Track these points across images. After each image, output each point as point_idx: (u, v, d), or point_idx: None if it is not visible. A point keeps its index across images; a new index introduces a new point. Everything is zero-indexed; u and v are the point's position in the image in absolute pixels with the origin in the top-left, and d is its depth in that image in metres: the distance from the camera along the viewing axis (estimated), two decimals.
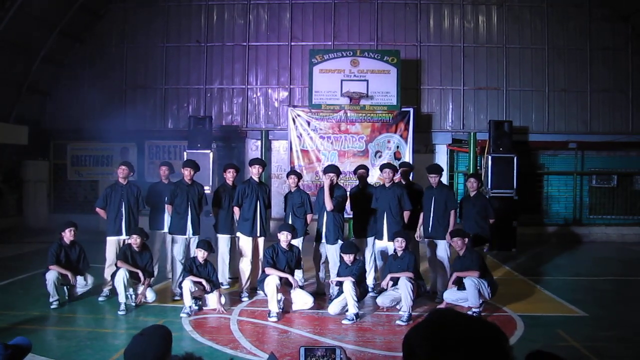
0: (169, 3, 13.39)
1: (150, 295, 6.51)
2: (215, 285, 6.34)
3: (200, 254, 6.32)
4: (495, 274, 7.30)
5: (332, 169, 7.12)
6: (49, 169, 13.71)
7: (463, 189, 12.85)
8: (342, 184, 7.45)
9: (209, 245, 6.45)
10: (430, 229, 6.93)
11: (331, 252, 6.90)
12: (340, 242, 6.82)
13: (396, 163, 9.96)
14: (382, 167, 7.21)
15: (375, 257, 7.19)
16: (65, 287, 6.63)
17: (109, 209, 7.08)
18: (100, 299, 6.73)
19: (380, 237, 6.95)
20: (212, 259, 7.01)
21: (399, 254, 6.31)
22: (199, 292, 6.28)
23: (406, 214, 6.93)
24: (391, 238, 6.77)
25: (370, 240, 7.22)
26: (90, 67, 13.28)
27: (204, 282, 6.21)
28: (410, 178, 9.17)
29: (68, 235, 6.67)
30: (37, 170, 13.57)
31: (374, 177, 10.79)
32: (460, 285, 6.19)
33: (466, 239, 6.40)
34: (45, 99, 13.44)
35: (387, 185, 6.99)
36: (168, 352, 2.19)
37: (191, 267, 6.29)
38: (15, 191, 13.39)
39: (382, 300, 6.32)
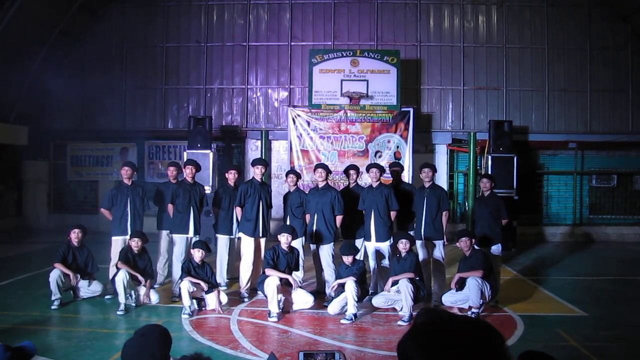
0: (168, 3, 13.38)
1: (154, 297, 6.52)
2: (213, 285, 6.34)
3: (198, 254, 6.32)
4: None
5: (321, 166, 7.25)
6: (48, 169, 13.71)
7: (463, 189, 12.89)
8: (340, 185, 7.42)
9: (207, 246, 6.47)
10: (423, 229, 6.86)
11: (324, 252, 6.91)
12: (332, 242, 6.87)
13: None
14: (368, 167, 7.17)
15: (368, 259, 7.13)
16: (71, 292, 6.68)
17: (115, 210, 7.19)
18: (107, 297, 6.75)
19: (369, 239, 6.91)
20: (210, 259, 7.03)
21: (403, 255, 6.27)
22: (198, 292, 6.29)
23: (392, 214, 6.90)
24: (380, 239, 6.78)
25: (358, 242, 7.14)
26: (90, 67, 13.27)
27: (202, 283, 6.22)
28: (408, 180, 9.15)
29: (73, 237, 6.72)
30: (37, 170, 13.58)
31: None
32: (462, 286, 6.18)
33: (473, 239, 6.40)
34: (45, 99, 13.43)
35: (374, 185, 6.97)
36: (168, 351, 2.17)
37: (188, 268, 6.30)
38: (15, 191, 13.40)
39: (377, 301, 6.32)
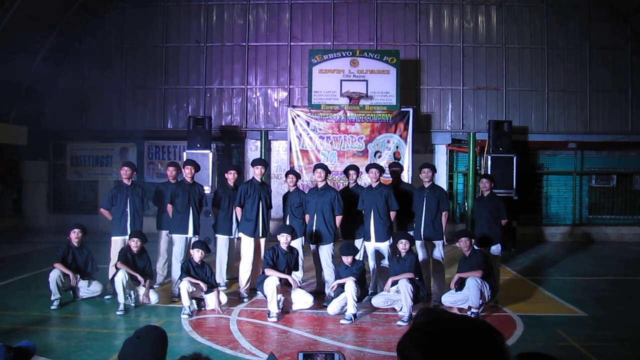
0: (168, 3, 13.38)
1: (153, 297, 6.51)
2: (212, 286, 6.34)
3: (198, 255, 6.32)
4: None
5: (320, 166, 7.26)
6: (48, 169, 13.70)
7: (462, 189, 12.89)
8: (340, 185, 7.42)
9: (206, 246, 6.48)
10: (423, 230, 6.86)
11: (323, 252, 6.91)
12: (331, 243, 6.88)
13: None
14: (367, 168, 7.17)
15: (368, 259, 7.12)
16: (71, 292, 6.68)
17: (115, 210, 7.20)
18: (107, 297, 6.75)
19: (368, 239, 6.90)
20: (210, 259, 7.03)
21: (403, 255, 6.26)
22: (198, 292, 6.28)
23: (392, 214, 6.89)
24: (379, 239, 6.77)
25: (358, 242, 7.13)
26: (90, 68, 13.26)
27: (201, 283, 6.22)
28: (408, 180, 9.09)
29: (73, 237, 6.73)
30: (37, 170, 13.57)
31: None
32: (461, 286, 6.17)
33: (472, 240, 6.40)
34: (45, 99, 13.43)
35: (373, 185, 6.97)
36: (164, 353, 2.17)
37: (188, 268, 6.30)
38: (15, 191, 13.39)
39: (377, 301, 6.32)
